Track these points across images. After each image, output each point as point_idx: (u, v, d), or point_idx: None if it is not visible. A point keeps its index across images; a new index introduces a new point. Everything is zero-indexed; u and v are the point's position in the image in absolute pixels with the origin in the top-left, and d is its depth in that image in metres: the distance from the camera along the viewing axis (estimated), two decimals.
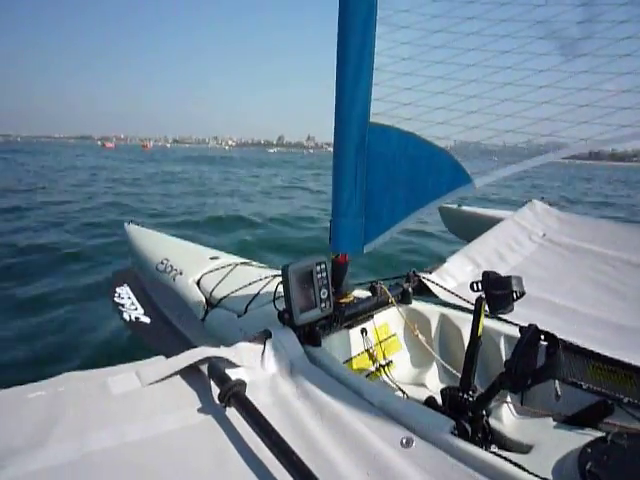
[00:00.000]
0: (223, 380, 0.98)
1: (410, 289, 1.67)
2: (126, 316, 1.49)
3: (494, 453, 0.85)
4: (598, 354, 1.23)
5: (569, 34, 1.22)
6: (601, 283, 1.93)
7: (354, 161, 1.34)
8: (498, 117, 1.18)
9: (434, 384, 1.46)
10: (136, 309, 1.55)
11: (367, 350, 1.51)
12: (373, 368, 1.49)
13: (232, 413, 0.94)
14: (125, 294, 1.62)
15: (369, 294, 1.57)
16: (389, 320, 1.62)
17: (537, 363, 0.92)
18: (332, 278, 1.37)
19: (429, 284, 1.75)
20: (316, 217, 8.91)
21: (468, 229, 3.66)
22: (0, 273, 4.60)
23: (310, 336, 1.28)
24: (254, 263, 2.43)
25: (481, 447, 0.86)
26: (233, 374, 1.02)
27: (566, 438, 1.06)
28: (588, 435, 1.03)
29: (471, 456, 0.83)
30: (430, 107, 1.28)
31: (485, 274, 1.05)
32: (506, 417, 1.22)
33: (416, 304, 1.67)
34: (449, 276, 1.89)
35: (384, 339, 1.58)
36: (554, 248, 2.36)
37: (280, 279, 1.30)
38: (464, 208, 4.19)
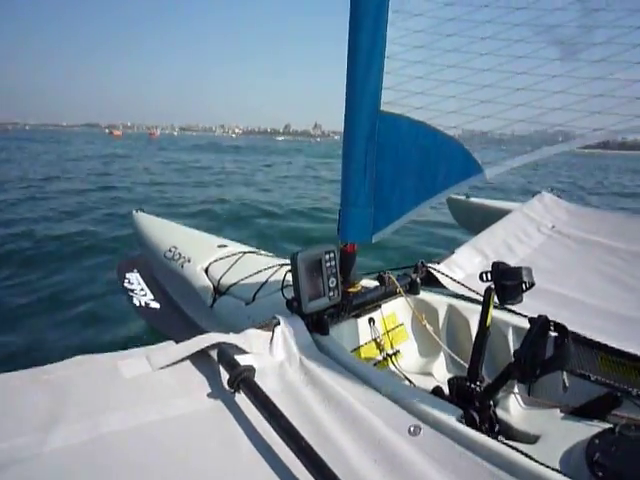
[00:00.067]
0: (232, 366, 0.99)
1: (418, 279, 1.67)
2: (136, 301, 1.51)
3: (502, 442, 0.85)
4: (606, 346, 1.23)
5: (583, 23, 1.20)
6: (610, 275, 1.92)
7: (364, 150, 1.33)
8: (511, 106, 1.17)
9: (441, 374, 1.47)
10: (145, 295, 1.56)
11: (374, 339, 1.51)
12: (380, 357, 1.50)
13: (241, 398, 0.95)
14: (135, 280, 1.63)
15: (377, 284, 1.57)
16: (397, 310, 1.63)
17: (546, 354, 0.92)
18: (340, 267, 1.37)
19: (437, 275, 1.75)
20: (335, 209, 8.80)
21: (476, 221, 3.64)
22: (24, 263, 4.64)
23: (318, 324, 1.29)
24: (262, 252, 2.44)
25: (488, 437, 0.87)
26: (242, 360, 1.02)
27: (573, 429, 1.06)
28: (596, 427, 1.03)
29: (479, 444, 0.84)
30: (441, 96, 1.27)
31: (495, 264, 1.05)
32: (513, 408, 1.22)
33: (424, 294, 1.67)
34: (457, 267, 1.88)
35: (391, 329, 1.58)
36: (563, 240, 2.35)
37: (288, 268, 1.31)
38: (472, 200, 4.16)
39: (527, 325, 0.97)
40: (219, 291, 1.98)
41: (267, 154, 33.28)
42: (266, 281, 1.84)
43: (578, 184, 16.18)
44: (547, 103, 1.14)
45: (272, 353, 1.16)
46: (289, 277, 1.31)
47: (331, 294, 1.32)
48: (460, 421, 0.91)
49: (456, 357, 1.43)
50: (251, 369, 0.99)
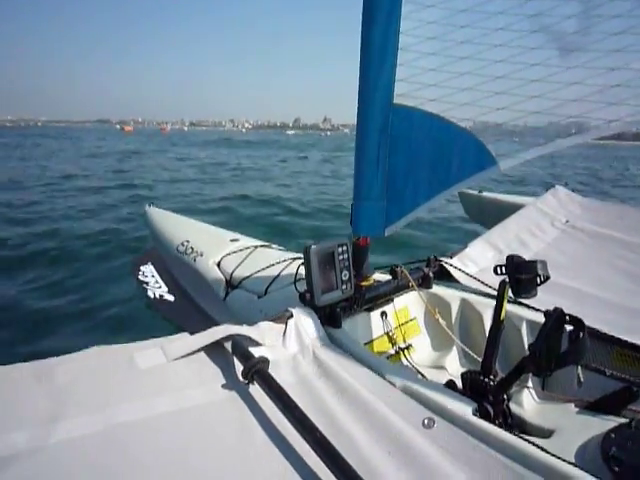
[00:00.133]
0: (246, 357, 0.99)
1: (431, 274, 1.67)
2: (150, 294, 1.52)
3: (516, 435, 0.85)
4: (621, 340, 1.22)
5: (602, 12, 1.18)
6: (624, 269, 1.90)
7: (377, 143, 1.32)
8: (525, 98, 1.16)
9: (454, 368, 1.46)
10: (160, 287, 1.57)
11: (387, 333, 1.51)
12: (392, 351, 1.50)
13: (255, 389, 0.96)
14: (149, 272, 1.65)
15: (389, 277, 1.57)
16: (409, 304, 1.62)
17: (561, 348, 0.92)
18: (353, 261, 1.37)
19: (450, 269, 1.74)
20: None
21: (489, 215, 3.62)
22: (49, 264, 4.58)
23: (331, 317, 1.29)
24: (274, 246, 2.45)
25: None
26: (255, 352, 1.03)
27: (588, 424, 1.05)
28: (611, 421, 1.02)
29: (493, 437, 0.83)
30: (455, 88, 1.26)
31: (510, 257, 1.04)
32: (527, 402, 1.22)
33: (437, 289, 1.66)
34: (470, 261, 1.87)
35: (404, 322, 1.58)
36: (576, 234, 2.33)
37: (300, 261, 1.31)
38: (485, 194, 4.13)
39: (541, 319, 0.96)
40: (231, 285, 1.99)
41: (278, 149, 33.01)
42: (278, 275, 1.85)
43: (597, 176, 15.86)
44: (562, 95, 1.13)
45: (285, 345, 1.16)
46: (301, 270, 1.31)
47: (344, 287, 1.32)
48: (474, 414, 0.91)
49: (469, 351, 1.42)
50: (265, 360, 0.99)
